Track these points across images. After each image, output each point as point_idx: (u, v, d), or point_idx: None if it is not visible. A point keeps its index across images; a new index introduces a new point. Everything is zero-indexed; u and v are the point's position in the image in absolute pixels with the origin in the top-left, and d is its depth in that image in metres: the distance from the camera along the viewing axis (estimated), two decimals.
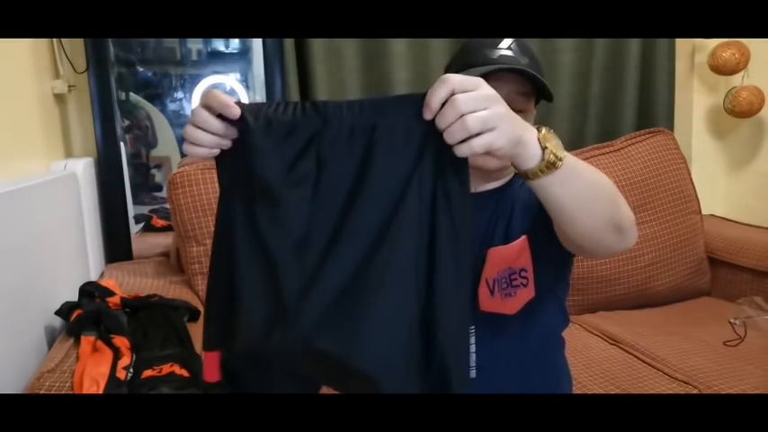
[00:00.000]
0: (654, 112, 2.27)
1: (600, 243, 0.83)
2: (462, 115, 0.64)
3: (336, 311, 0.67)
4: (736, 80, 2.24)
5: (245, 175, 0.71)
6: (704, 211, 2.10)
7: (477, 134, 0.65)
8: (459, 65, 0.98)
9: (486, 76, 0.84)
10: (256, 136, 0.69)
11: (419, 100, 0.66)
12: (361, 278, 0.67)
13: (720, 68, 2.21)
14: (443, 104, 0.65)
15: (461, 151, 0.66)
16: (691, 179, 2.06)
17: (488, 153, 0.67)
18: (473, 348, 1.01)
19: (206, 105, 0.71)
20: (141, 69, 2.34)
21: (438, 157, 0.68)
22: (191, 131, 0.72)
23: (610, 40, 2.21)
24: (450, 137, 0.65)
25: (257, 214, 0.70)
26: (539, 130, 0.72)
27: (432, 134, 0.66)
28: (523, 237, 0.98)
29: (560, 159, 0.71)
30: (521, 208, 1.01)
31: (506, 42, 0.96)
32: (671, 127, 2.27)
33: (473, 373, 0.99)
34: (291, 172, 0.69)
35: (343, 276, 0.68)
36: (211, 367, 0.79)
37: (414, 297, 0.68)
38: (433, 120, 0.66)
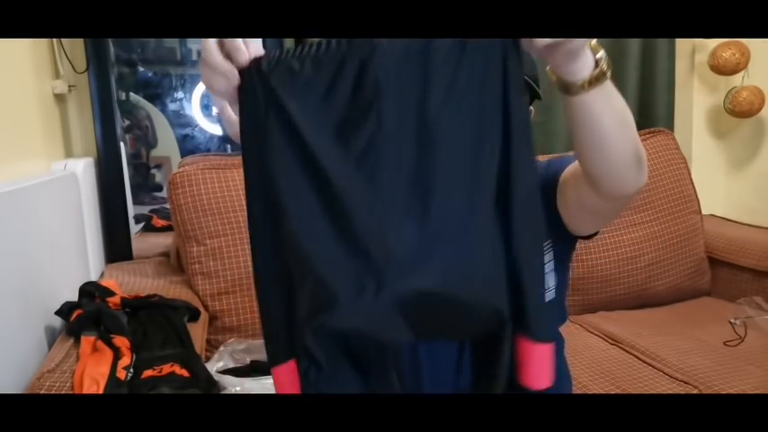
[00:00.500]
0: (654, 112, 2.27)
1: (624, 173, 0.78)
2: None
3: (423, 249, 0.62)
4: (736, 80, 2.24)
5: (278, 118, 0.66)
6: (704, 211, 2.10)
7: None
8: None
9: None
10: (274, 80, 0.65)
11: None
12: (441, 215, 0.63)
13: (720, 68, 2.21)
14: None
15: (537, 45, 0.65)
16: (691, 179, 2.06)
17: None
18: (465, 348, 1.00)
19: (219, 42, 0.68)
20: (141, 69, 2.35)
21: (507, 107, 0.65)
22: (203, 69, 0.70)
23: (610, 40, 2.21)
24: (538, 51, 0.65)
25: (305, 158, 0.64)
26: (585, 42, 0.68)
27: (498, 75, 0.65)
28: None
29: (608, 71, 0.69)
30: None
31: None
32: (671, 127, 2.27)
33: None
34: (345, 104, 0.64)
35: (421, 212, 0.63)
36: (286, 382, 0.72)
37: (499, 240, 0.65)
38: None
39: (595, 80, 0.70)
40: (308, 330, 0.67)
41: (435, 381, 1.01)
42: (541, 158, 1.08)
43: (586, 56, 0.70)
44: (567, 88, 0.72)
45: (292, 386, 0.71)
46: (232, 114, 0.72)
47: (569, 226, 0.95)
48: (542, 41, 0.65)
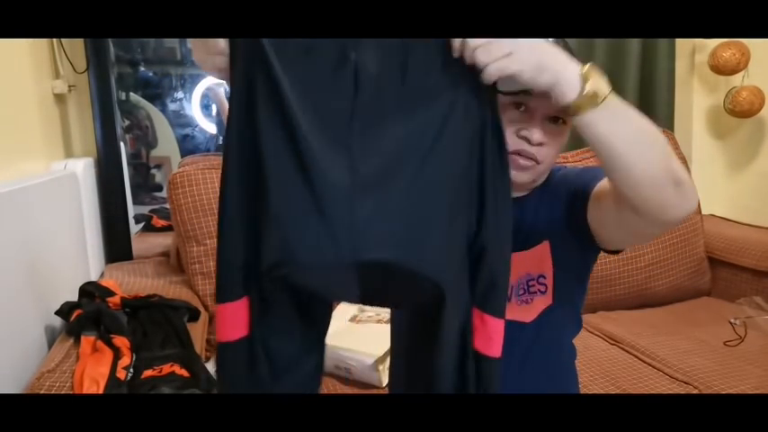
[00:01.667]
0: (654, 112, 2.27)
1: (658, 196, 0.76)
2: (479, 47, 0.68)
3: (387, 221, 0.67)
4: (736, 80, 2.24)
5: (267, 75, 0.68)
6: (704, 211, 2.10)
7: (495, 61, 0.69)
8: None
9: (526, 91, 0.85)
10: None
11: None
12: (412, 192, 0.68)
13: (720, 68, 2.21)
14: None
15: (485, 75, 0.69)
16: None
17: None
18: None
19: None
20: (141, 69, 2.35)
21: (477, 95, 0.70)
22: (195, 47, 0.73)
23: (610, 40, 2.22)
24: (478, 58, 0.69)
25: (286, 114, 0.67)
26: (581, 67, 0.72)
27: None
28: (545, 242, 0.96)
29: (602, 96, 0.71)
30: (546, 216, 0.97)
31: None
32: (671, 127, 2.27)
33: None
34: (324, 77, 0.68)
35: (386, 189, 0.68)
36: (234, 320, 0.73)
37: (465, 217, 0.71)
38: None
39: (587, 103, 0.72)
40: (267, 279, 0.71)
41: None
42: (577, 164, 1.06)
43: (566, 79, 0.72)
44: (564, 110, 0.74)
45: (237, 323, 0.73)
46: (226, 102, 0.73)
47: (599, 239, 0.92)
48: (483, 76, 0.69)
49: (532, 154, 0.92)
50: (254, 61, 0.68)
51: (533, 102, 0.90)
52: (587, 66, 0.73)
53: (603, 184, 0.88)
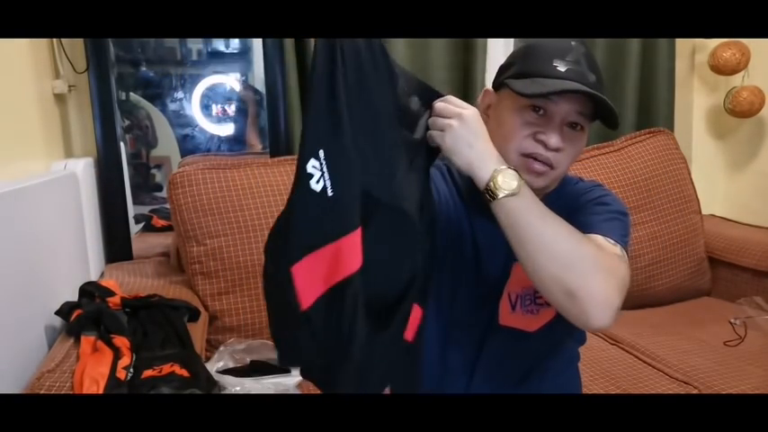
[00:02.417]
0: (654, 112, 2.27)
1: (546, 295, 0.83)
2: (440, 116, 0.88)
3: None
4: (736, 80, 2.24)
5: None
6: (704, 211, 2.10)
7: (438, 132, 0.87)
8: (522, 69, 0.92)
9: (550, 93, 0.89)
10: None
11: (437, 96, 0.90)
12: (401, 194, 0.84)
13: (721, 68, 2.21)
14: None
15: (428, 136, 0.88)
16: (691, 179, 2.06)
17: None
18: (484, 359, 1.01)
19: None
20: (141, 69, 2.34)
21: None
22: None
23: (610, 40, 2.21)
24: (431, 124, 0.88)
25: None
26: (499, 166, 0.84)
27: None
28: None
29: (504, 194, 0.83)
30: None
31: (575, 52, 0.90)
32: (671, 127, 2.27)
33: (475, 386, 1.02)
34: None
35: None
36: (357, 250, 0.77)
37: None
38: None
39: (489, 197, 0.84)
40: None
41: (448, 382, 1.00)
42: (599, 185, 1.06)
43: (478, 171, 0.85)
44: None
45: (360, 251, 0.77)
46: None
47: None
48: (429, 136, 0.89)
49: (548, 158, 0.91)
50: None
51: (552, 106, 0.89)
52: (502, 168, 0.84)
53: (595, 238, 0.90)
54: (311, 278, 0.75)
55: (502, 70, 0.97)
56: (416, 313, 0.87)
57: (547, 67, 0.89)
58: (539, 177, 0.92)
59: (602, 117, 0.92)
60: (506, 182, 0.83)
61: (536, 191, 0.93)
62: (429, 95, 0.90)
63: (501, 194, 0.83)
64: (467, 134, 0.85)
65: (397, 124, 0.84)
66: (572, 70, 0.89)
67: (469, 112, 0.87)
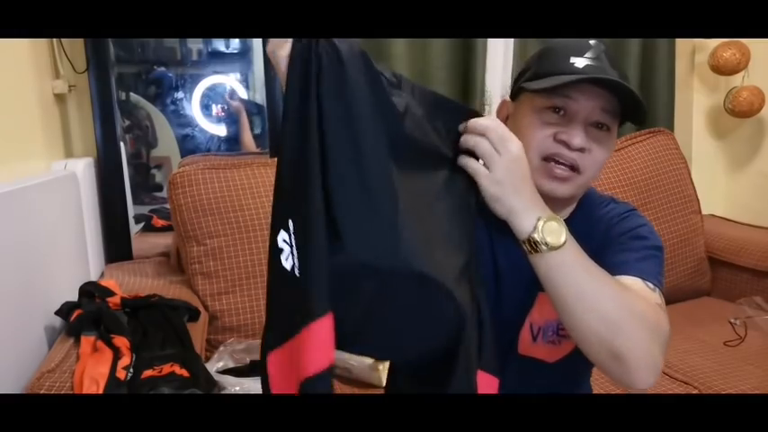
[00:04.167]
0: (654, 112, 2.26)
1: (590, 357, 0.77)
2: (482, 135, 0.75)
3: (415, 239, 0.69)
4: (736, 80, 2.24)
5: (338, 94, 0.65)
6: (704, 211, 2.10)
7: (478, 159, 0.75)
8: (538, 71, 0.86)
9: (569, 87, 0.82)
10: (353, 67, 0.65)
11: (466, 113, 0.78)
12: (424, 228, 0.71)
13: (721, 68, 2.21)
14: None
15: (460, 159, 0.77)
16: (691, 179, 2.06)
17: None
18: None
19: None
20: (141, 69, 2.34)
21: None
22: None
23: (610, 40, 2.21)
24: (464, 141, 0.77)
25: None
26: (543, 215, 0.75)
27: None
28: None
29: (549, 247, 0.74)
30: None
31: (594, 49, 0.84)
32: (671, 127, 2.26)
33: None
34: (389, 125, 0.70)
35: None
36: (319, 345, 0.62)
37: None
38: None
39: (530, 249, 0.75)
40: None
41: None
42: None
43: (519, 217, 0.75)
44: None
45: (328, 344, 0.63)
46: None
47: None
48: (459, 160, 0.78)
49: (572, 160, 0.83)
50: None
51: (573, 104, 0.83)
52: (546, 216, 0.75)
53: (634, 283, 0.82)
54: (282, 373, 0.65)
55: (518, 77, 0.92)
56: (487, 382, 0.76)
57: (563, 64, 0.83)
58: (562, 184, 0.84)
59: (629, 114, 0.86)
60: (553, 234, 0.74)
61: (559, 204, 0.87)
62: (458, 113, 0.78)
63: (545, 249, 0.74)
64: (514, 178, 0.75)
65: (410, 163, 0.71)
66: (591, 66, 0.82)
67: (518, 146, 0.75)
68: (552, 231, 0.74)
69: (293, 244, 0.63)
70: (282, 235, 0.64)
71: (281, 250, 0.64)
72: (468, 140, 0.76)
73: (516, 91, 0.91)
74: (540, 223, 0.74)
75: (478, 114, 0.78)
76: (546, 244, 0.74)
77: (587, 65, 0.82)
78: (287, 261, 0.64)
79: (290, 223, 0.64)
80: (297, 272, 0.63)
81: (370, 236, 0.65)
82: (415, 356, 0.75)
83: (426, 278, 0.68)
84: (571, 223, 0.80)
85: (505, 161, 0.74)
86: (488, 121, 0.76)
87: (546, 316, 0.90)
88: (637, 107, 0.84)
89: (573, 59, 0.83)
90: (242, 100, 2.40)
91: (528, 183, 0.76)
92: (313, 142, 0.63)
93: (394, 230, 0.67)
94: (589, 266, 0.76)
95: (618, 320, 0.74)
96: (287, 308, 0.65)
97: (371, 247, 0.66)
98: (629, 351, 0.73)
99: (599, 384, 1.45)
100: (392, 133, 0.68)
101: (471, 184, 0.77)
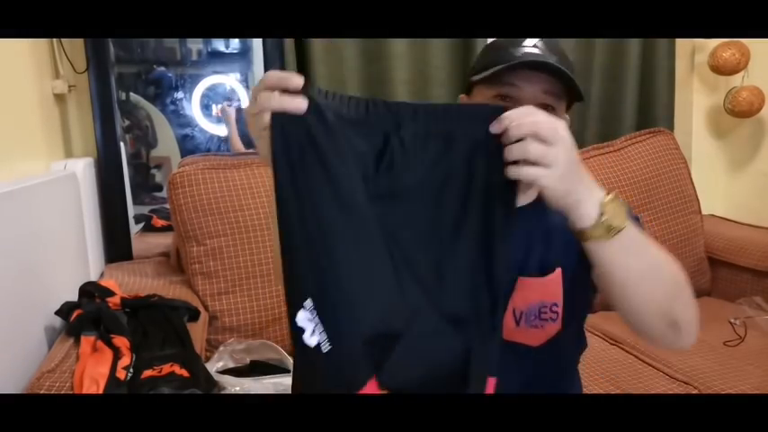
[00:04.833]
0: (654, 112, 2.27)
1: (649, 331, 0.78)
2: (529, 137, 0.66)
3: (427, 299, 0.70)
4: (736, 80, 2.24)
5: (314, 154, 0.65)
6: (704, 211, 2.10)
7: (532, 163, 0.67)
8: (480, 65, 0.91)
9: (510, 74, 0.85)
10: (328, 112, 0.64)
11: (495, 112, 0.69)
12: (440, 273, 0.70)
13: (720, 68, 2.21)
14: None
15: (510, 171, 0.68)
16: (691, 179, 2.06)
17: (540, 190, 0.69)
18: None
19: (266, 87, 0.65)
20: (141, 69, 2.35)
21: (489, 176, 0.70)
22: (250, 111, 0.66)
23: (610, 40, 2.21)
24: (509, 153, 0.68)
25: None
26: (606, 194, 0.71)
27: (492, 152, 0.69)
28: (558, 270, 0.92)
29: (617, 229, 0.70)
30: (561, 237, 0.87)
31: (532, 41, 0.89)
32: (671, 127, 2.27)
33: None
34: (363, 167, 0.67)
35: (426, 270, 0.70)
36: None
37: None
38: (498, 137, 0.68)
39: (601, 234, 0.71)
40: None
41: None
42: None
43: (585, 206, 0.70)
44: (576, 234, 0.73)
45: None
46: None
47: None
48: (509, 171, 0.68)
49: None
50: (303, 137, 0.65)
51: (517, 90, 0.87)
52: (609, 197, 0.71)
53: None
54: None
55: (469, 74, 0.96)
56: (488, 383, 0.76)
57: (504, 54, 0.88)
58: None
59: (572, 95, 0.89)
60: (618, 214, 0.70)
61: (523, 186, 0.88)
62: (480, 115, 0.70)
63: (613, 233, 0.70)
64: (573, 165, 0.68)
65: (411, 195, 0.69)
66: (528, 53, 0.87)
67: (563, 125, 0.69)
68: (617, 214, 0.70)
69: (317, 321, 0.65)
70: (301, 314, 0.65)
71: (302, 329, 0.65)
72: (515, 150, 0.68)
73: (469, 86, 0.96)
74: (606, 206, 0.70)
75: (498, 110, 0.70)
76: (617, 228, 0.70)
77: (525, 52, 0.88)
78: (312, 337, 0.65)
79: (310, 301, 0.65)
80: (328, 345, 0.65)
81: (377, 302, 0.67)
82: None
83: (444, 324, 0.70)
84: (538, 203, 0.79)
85: (562, 151, 0.67)
86: (530, 117, 0.68)
87: (527, 300, 0.92)
88: (573, 85, 0.87)
89: (512, 49, 0.89)
90: (239, 109, 2.41)
91: (582, 163, 0.71)
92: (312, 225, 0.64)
93: (399, 293, 0.68)
94: (644, 239, 0.74)
95: (673, 288, 0.76)
96: (317, 386, 0.68)
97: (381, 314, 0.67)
98: (683, 315, 0.76)
99: (599, 384, 1.45)
100: (369, 179, 0.67)
101: (504, 190, 0.71)
